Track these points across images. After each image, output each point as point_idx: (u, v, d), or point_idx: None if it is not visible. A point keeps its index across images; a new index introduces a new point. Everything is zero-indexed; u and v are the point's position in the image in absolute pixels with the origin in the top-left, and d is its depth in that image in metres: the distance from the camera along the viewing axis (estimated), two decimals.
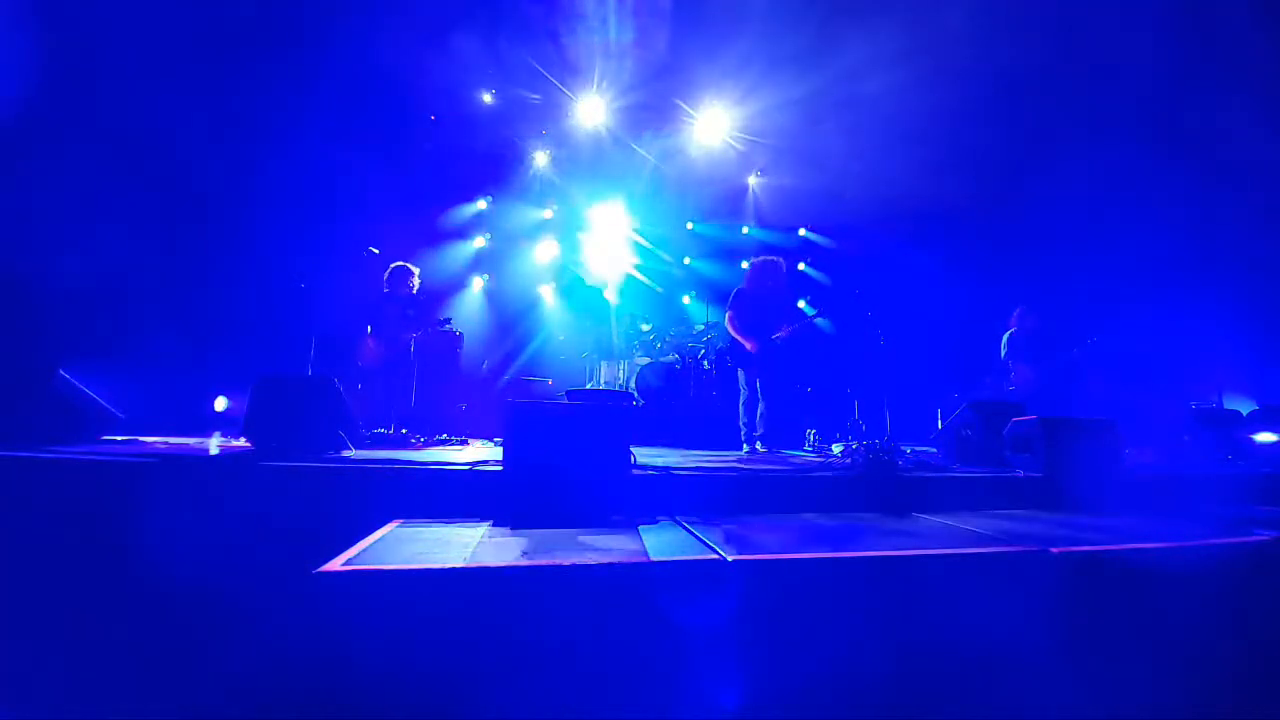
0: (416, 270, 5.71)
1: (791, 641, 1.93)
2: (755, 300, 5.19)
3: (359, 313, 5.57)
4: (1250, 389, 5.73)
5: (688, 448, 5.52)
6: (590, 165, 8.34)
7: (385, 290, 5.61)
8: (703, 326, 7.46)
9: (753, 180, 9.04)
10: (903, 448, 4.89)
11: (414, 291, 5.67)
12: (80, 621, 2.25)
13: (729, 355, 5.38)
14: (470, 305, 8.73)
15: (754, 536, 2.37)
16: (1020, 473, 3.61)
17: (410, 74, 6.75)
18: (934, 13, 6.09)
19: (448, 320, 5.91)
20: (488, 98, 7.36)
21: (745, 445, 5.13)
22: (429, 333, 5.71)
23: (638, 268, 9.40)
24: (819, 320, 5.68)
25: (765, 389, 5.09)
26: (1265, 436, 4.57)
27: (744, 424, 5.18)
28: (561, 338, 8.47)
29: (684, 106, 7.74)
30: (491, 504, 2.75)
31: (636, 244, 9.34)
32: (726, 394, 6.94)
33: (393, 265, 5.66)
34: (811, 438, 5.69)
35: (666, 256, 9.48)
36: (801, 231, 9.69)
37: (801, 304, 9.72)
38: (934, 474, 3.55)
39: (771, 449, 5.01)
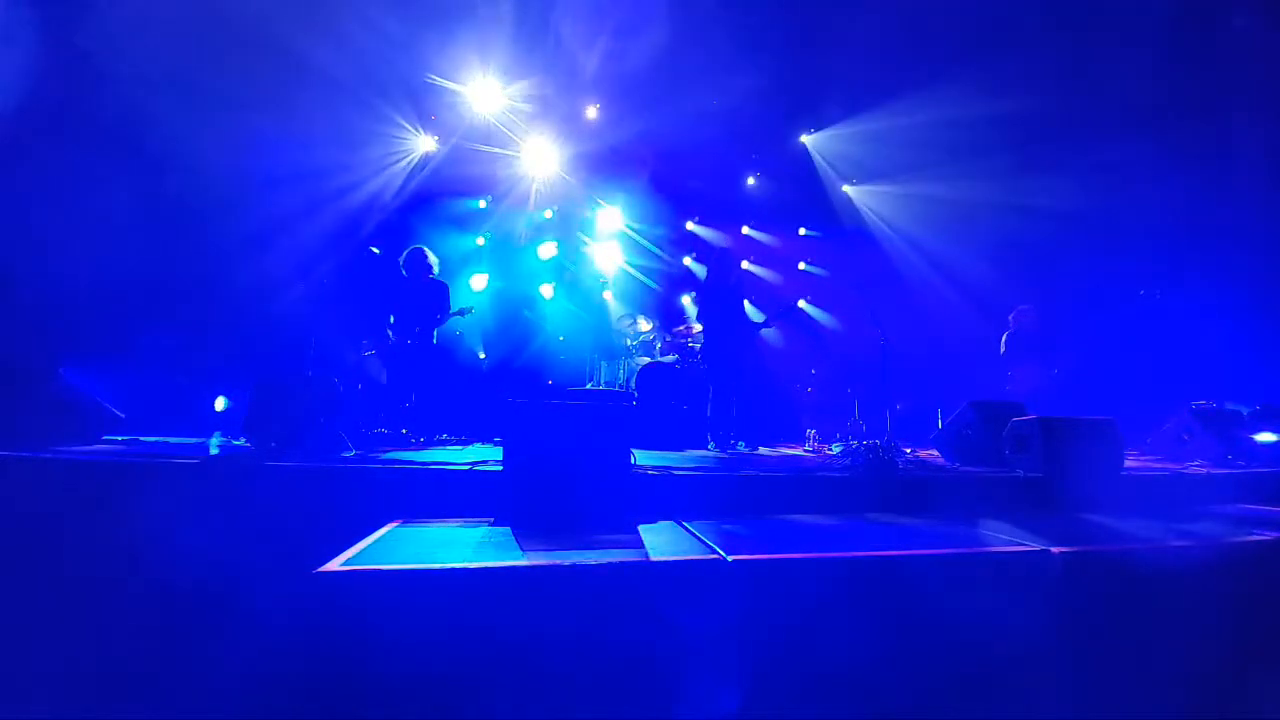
0: (432, 253, 5.51)
1: (791, 641, 1.93)
2: (713, 297, 5.51)
3: (379, 304, 5.45)
4: (1250, 389, 5.73)
5: (688, 448, 5.52)
6: (590, 165, 8.35)
7: (404, 275, 5.45)
8: (702, 327, 7.46)
9: (751, 181, 9.04)
10: (903, 448, 4.90)
11: (433, 275, 5.50)
12: (80, 621, 2.24)
13: (701, 357, 5.86)
14: (468, 304, 8.70)
15: (754, 536, 2.37)
16: (1020, 473, 3.61)
17: (407, 70, 6.74)
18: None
19: (469, 309, 5.60)
20: (488, 94, 7.34)
21: (712, 443, 5.29)
22: (449, 319, 5.51)
23: (637, 267, 9.40)
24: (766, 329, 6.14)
25: (732, 387, 5.37)
26: (1265, 436, 4.56)
27: (713, 423, 5.40)
28: (562, 338, 8.46)
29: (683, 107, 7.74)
30: (491, 504, 2.75)
31: (636, 243, 9.34)
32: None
33: (409, 249, 5.49)
34: (811, 437, 5.69)
35: (666, 256, 9.47)
36: (801, 231, 9.69)
37: (802, 303, 9.74)
38: (934, 474, 3.55)
39: (750, 446, 5.27)
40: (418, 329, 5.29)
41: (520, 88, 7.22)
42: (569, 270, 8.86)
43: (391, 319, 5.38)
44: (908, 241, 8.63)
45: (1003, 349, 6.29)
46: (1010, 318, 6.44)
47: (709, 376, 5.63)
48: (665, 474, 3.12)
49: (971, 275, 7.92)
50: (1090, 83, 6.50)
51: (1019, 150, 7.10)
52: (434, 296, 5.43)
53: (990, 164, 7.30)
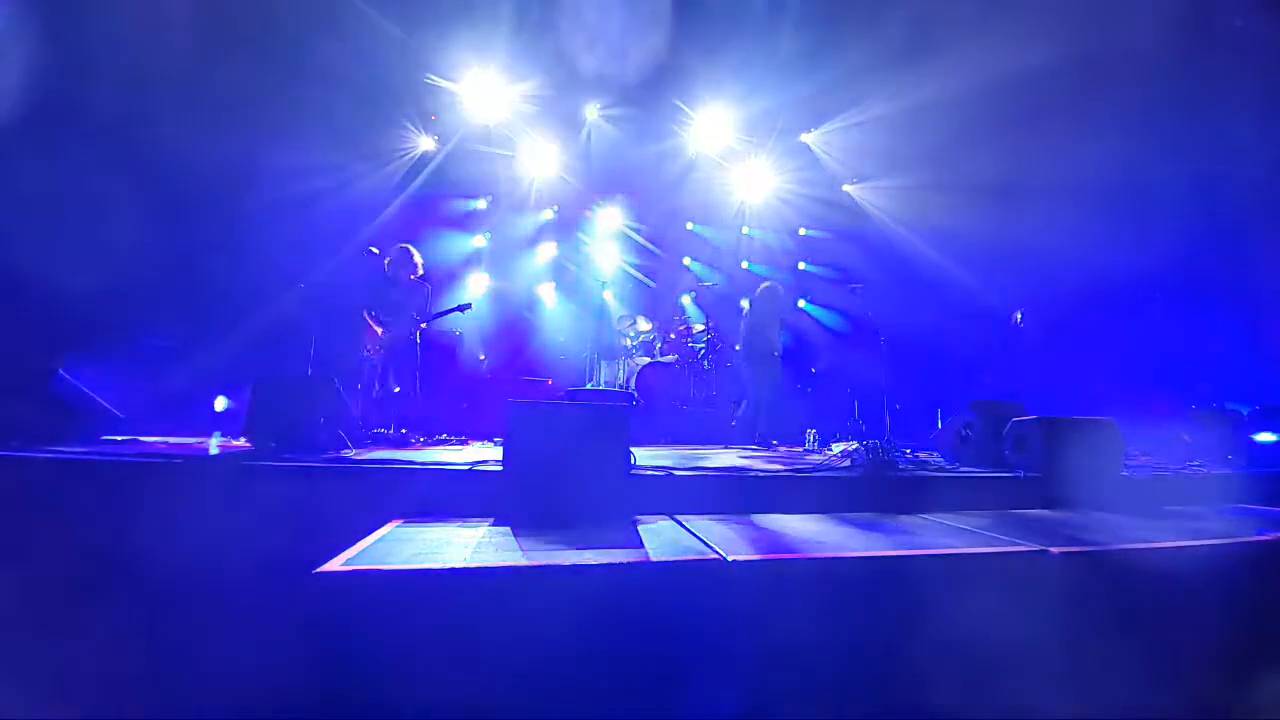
0: (417, 253, 5.50)
1: (791, 641, 1.93)
2: (760, 322, 6.17)
3: (362, 301, 5.45)
4: (1250, 389, 5.73)
5: (688, 447, 5.52)
6: (592, 165, 8.35)
7: (386, 274, 5.44)
8: (702, 327, 7.46)
9: (750, 182, 9.03)
10: (903, 448, 4.90)
11: (418, 275, 5.50)
12: (79, 621, 2.24)
13: (738, 367, 6.49)
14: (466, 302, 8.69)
15: (754, 536, 2.37)
16: (1020, 473, 3.60)
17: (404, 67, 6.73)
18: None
19: (468, 305, 5.59)
20: (488, 94, 7.33)
21: (756, 443, 5.84)
22: (432, 323, 5.54)
23: (637, 267, 9.40)
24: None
25: (766, 394, 5.95)
26: (1265, 436, 4.56)
27: (751, 425, 5.99)
28: (562, 338, 8.46)
29: (683, 108, 7.75)
30: (491, 504, 2.75)
31: (635, 243, 9.34)
32: (726, 394, 7.00)
33: (395, 247, 5.49)
34: (811, 438, 5.69)
35: (665, 255, 9.48)
36: (801, 231, 9.69)
37: (802, 303, 9.77)
38: (934, 474, 3.55)
39: (769, 444, 5.67)
40: (401, 329, 5.30)
41: (521, 88, 7.22)
42: (569, 270, 8.87)
43: (380, 317, 5.39)
44: (908, 240, 8.62)
45: (1002, 350, 6.30)
46: (1008, 319, 6.45)
47: (742, 388, 6.38)
48: (665, 474, 3.12)
49: (971, 275, 7.92)
50: (1083, 82, 6.47)
51: (1015, 148, 7.08)
52: (416, 297, 5.43)
53: (989, 155, 7.27)
